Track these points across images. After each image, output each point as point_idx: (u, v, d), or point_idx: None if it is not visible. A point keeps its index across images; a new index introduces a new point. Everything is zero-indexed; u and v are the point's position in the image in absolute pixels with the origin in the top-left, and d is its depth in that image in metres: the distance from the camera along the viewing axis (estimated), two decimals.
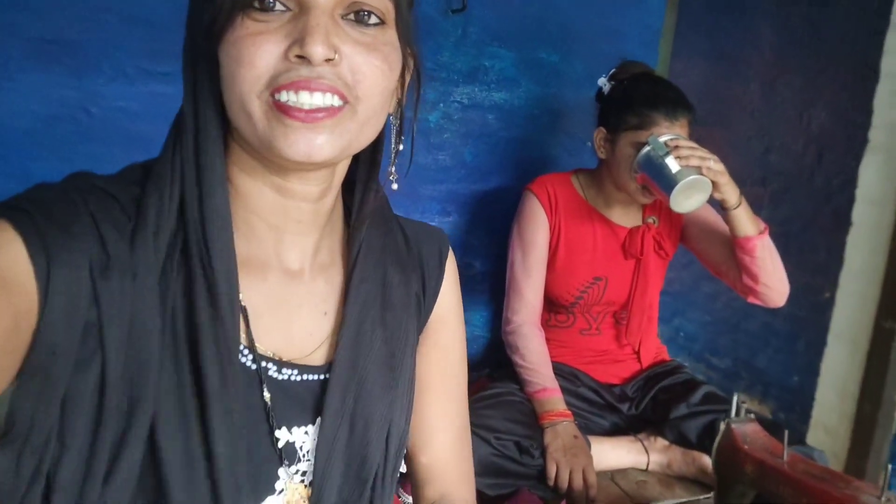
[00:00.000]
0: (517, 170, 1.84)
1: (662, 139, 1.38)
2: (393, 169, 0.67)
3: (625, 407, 1.64)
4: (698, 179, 1.33)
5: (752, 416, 1.23)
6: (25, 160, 1.44)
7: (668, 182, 1.34)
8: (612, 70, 1.55)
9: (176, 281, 0.56)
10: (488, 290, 1.91)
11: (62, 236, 0.50)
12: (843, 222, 2.87)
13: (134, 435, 0.52)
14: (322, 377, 0.65)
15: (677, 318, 2.11)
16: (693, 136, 1.46)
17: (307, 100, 0.53)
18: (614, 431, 1.61)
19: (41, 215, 0.50)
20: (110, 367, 0.51)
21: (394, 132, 0.67)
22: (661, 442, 1.53)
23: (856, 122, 2.89)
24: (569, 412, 1.47)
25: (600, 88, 1.56)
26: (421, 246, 0.76)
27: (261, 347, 0.62)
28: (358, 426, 0.65)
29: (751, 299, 1.55)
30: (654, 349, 1.73)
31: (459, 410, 0.82)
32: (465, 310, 1.86)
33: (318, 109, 0.53)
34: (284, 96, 0.53)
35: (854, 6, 2.82)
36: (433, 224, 1.76)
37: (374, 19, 0.56)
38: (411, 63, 0.64)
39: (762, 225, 1.46)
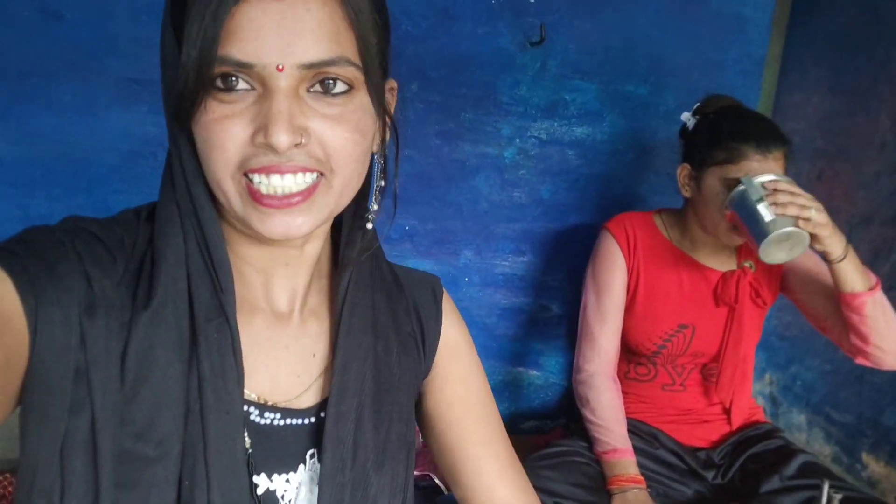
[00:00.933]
0: (598, 208, 1.73)
1: (759, 180, 1.23)
2: (376, 206, 0.66)
3: (710, 475, 1.48)
4: (794, 232, 1.18)
5: None
6: (108, 194, 1.51)
7: (759, 230, 1.20)
8: (697, 104, 1.44)
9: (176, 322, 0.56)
10: (565, 334, 1.81)
11: (49, 275, 0.51)
12: None
13: (163, 477, 0.53)
14: (307, 421, 0.64)
15: (794, 365, 1.92)
16: (791, 172, 1.31)
17: (279, 182, 0.53)
18: (697, 502, 1.46)
19: (29, 255, 0.51)
20: (98, 406, 0.51)
21: (378, 169, 0.65)
22: None
23: None
24: (641, 478, 1.34)
25: (684, 124, 1.45)
26: (414, 291, 0.75)
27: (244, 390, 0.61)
28: (359, 457, 0.63)
29: (859, 360, 1.36)
30: (748, 409, 1.56)
31: (502, 440, 0.78)
32: (541, 355, 1.80)
33: (293, 194, 0.54)
34: (257, 179, 0.53)
35: None
36: (506, 263, 1.71)
37: (340, 87, 0.54)
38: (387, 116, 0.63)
39: (873, 279, 1.28)
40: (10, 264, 0.50)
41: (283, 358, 0.65)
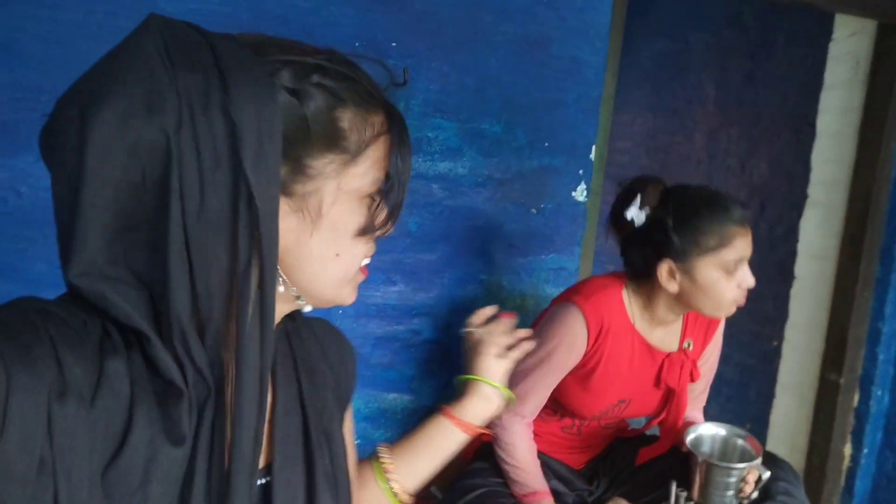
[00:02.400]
0: (462, 238, 1.84)
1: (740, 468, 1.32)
2: None
3: (595, 485, 1.62)
4: None
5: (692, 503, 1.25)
6: None
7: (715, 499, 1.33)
8: (638, 196, 1.36)
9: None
10: (437, 358, 1.89)
11: (23, 361, 0.50)
12: (786, 275, 2.95)
13: None
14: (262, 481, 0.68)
15: None
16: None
17: None
18: None
19: (4, 339, 0.50)
20: (62, 495, 0.50)
21: None
22: None
23: (795, 175, 2.99)
24: None
25: (630, 220, 1.36)
26: (323, 344, 0.81)
27: None
28: None
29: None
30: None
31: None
32: (413, 380, 1.86)
33: None
34: None
35: (790, 64, 2.93)
36: (378, 294, 1.76)
37: None
38: None
39: None
40: None
41: None
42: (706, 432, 1.43)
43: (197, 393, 0.57)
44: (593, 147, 1.96)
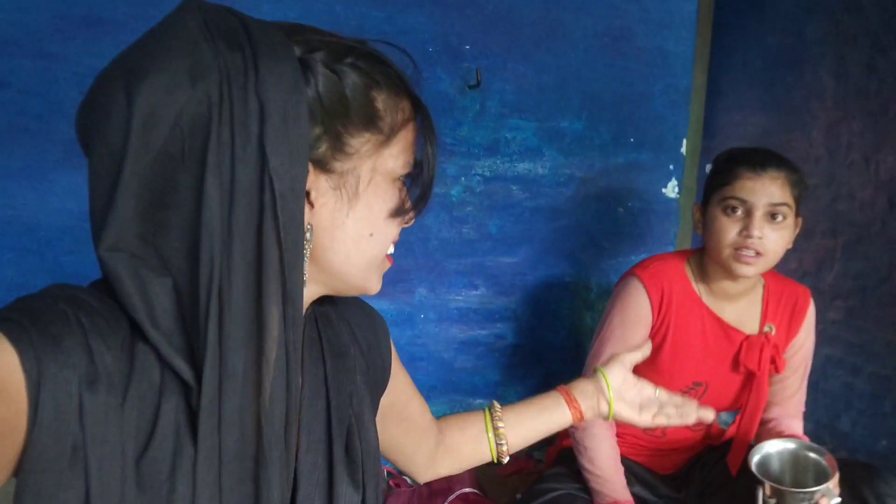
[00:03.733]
0: (545, 240, 1.80)
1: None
2: None
3: (683, 493, 1.51)
4: None
5: None
6: (60, 255, 1.51)
7: None
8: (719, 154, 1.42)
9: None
10: (523, 363, 1.85)
11: (54, 350, 0.50)
12: None
13: None
14: None
15: None
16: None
17: None
18: None
19: (35, 328, 0.50)
20: (93, 483, 0.51)
21: None
22: None
23: None
24: None
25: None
26: (353, 325, 0.79)
27: None
28: None
29: None
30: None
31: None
32: (499, 385, 1.83)
33: None
34: None
35: None
36: (460, 298, 1.75)
37: None
38: None
39: None
40: (17, 337, 0.49)
41: None
42: (772, 450, 1.30)
43: (210, 384, 0.55)
44: (684, 140, 1.87)
